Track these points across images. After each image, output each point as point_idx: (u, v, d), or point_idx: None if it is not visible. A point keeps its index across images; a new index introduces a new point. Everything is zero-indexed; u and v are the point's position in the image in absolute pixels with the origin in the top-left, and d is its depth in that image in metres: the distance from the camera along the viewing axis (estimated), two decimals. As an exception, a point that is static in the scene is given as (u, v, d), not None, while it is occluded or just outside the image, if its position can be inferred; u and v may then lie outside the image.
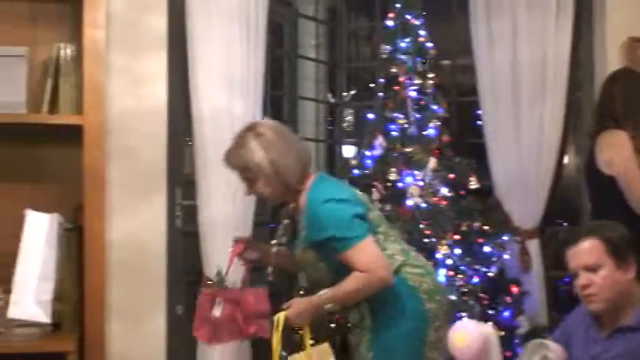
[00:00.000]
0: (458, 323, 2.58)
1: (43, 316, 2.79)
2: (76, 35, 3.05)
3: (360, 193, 2.88)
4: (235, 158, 2.75)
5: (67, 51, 3.01)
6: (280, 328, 2.64)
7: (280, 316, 2.66)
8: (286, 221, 2.99)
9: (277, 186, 2.72)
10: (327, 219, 2.61)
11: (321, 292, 2.66)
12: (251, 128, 2.77)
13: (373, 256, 2.58)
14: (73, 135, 2.85)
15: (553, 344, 2.49)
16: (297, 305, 2.69)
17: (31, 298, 2.78)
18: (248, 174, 2.73)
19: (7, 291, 2.84)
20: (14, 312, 2.77)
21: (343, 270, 2.60)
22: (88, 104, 2.83)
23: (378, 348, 2.67)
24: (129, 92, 3.43)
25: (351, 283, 2.59)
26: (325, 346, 2.80)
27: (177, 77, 3.56)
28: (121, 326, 3.41)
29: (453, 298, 3.63)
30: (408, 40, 4.18)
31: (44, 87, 3.04)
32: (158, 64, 3.47)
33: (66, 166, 3.10)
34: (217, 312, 2.82)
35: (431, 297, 2.71)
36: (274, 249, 2.98)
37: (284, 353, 2.69)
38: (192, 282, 3.63)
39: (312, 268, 2.79)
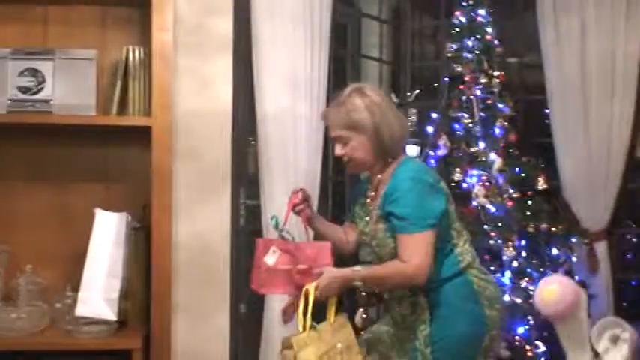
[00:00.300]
0: (547, 278, 2.50)
1: (111, 314, 2.85)
2: (144, 38, 3.11)
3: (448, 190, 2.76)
4: (336, 115, 2.67)
5: (135, 54, 3.08)
6: (311, 297, 2.56)
7: (310, 287, 2.59)
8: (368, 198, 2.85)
9: (373, 150, 2.65)
10: (407, 196, 2.54)
11: (356, 268, 2.62)
12: (357, 89, 2.70)
13: (422, 252, 2.50)
14: (141, 136, 2.91)
15: (626, 324, 2.42)
16: (328, 275, 2.59)
17: (99, 296, 2.85)
18: (345, 133, 2.66)
19: (76, 289, 2.91)
20: (82, 310, 2.83)
21: None
22: (156, 106, 2.88)
23: (436, 346, 2.61)
24: (195, 94, 3.47)
25: (387, 269, 2.58)
26: (343, 315, 2.75)
27: (241, 78, 3.59)
28: (186, 324, 3.46)
29: (519, 300, 3.60)
30: (474, 38, 4.14)
31: (113, 89, 3.11)
32: (223, 66, 3.51)
33: (134, 166, 3.18)
34: (271, 260, 2.74)
35: (492, 304, 2.67)
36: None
37: (314, 323, 2.61)
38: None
39: (380, 247, 2.68)
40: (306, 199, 2.83)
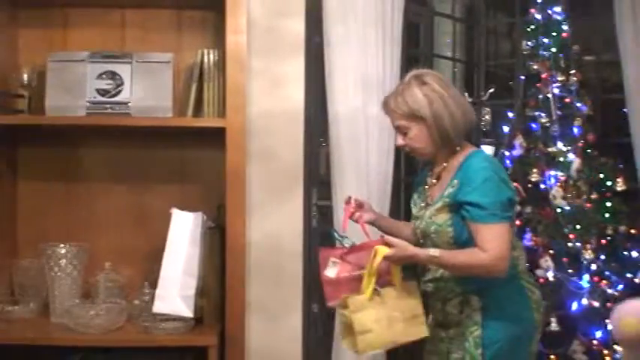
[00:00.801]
0: (626, 306, 2.41)
1: (187, 311, 2.89)
2: (218, 41, 3.15)
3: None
4: (396, 103, 2.63)
5: (210, 56, 3.12)
6: (377, 260, 2.53)
7: (380, 250, 2.53)
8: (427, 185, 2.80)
9: (433, 139, 2.61)
10: (485, 186, 2.49)
11: (431, 251, 2.55)
12: (417, 76, 2.64)
13: (503, 243, 2.46)
14: (215, 137, 2.95)
15: None
16: (402, 250, 2.55)
17: (176, 294, 2.89)
18: (404, 123, 2.62)
19: (153, 286, 2.97)
20: (159, 307, 2.88)
21: (467, 244, 2.52)
22: (230, 107, 2.91)
23: (488, 350, 2.55)
24: (268, 95, 3.50)
25: (465, 256, 2.50)
26: (414, 284, 2.67)
27: (313, 79, 3.61)
28: (260, 323, 3.50)
29: (596, 304, 3.53)
30: (550, 36, 4.07)
31: (189, 91, 3.16)
32: (296, 67, 3.53)
33: (209, 167, 3.23)
34: (332, 272, 2.69)
35: (538, 308, 2.65)
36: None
37: (378, 288, 2.57)
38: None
39: (437, 234, 2.62)
40: (360, 206, 2.84)
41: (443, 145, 2.63)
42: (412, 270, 2.80)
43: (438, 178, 2.70)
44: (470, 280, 2.58)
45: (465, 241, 2.53)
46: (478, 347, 2.56)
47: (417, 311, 2.60)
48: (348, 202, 2.85)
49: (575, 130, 3.96)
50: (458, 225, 2.55)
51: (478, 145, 4.85)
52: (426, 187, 2.78)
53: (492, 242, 2.45)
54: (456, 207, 2.55)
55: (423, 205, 2.75)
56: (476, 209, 2.48)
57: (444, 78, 2.69)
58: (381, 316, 2.52)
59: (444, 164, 2.68)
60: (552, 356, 3.70)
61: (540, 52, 4.09)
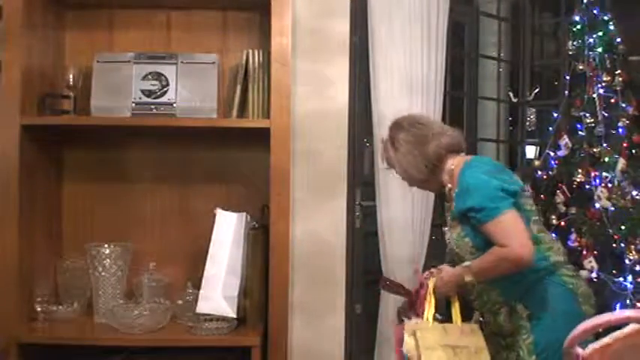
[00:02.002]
0: None
1: (230, 311, 2.89)
2: (263, 42, 3.16)
3: (521, 185, 2.73)
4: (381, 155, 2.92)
5: (255, 57, 3.12)
6: (431, 292, 2.65)
7: (430, 281, 2.67)
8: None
9: (411, 177, 2.80)
10: (471, 189, 2.56)
11: (465, 264, 2.62)
12: (389, 128, 2.87)
13: (513, 230, 2.46)
14: (260, 137, 2.95)
15: None
16: (445, 273, 2.69)
17: (219, 294, 2.90)
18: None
19: (196, 286, 2.98)
20: (203, 307, 2.89)
21: (487, 248, 2.53)
22: (274, 108, 2.90)
23: (543, 355, 2.54)
24: (312, 96, 3.50)
25: (488, 257, 2.52)
26: (474, 326, 2.67)
27: (358, 80, 3.60)
28: (303, 323, 3.51)
29: (640, 305, 3.48)
30: (595, 35, 4.02)
31: (234, 92, 3.17)
32: (340, 68, 3.53)
33: (253, 167, 3.23)
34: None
35: (586, 300, 2.60)
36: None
37: (439, 316, 2.63)
38: (371, 282, 3.67)
39: (460, 248, 2.69)
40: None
41: (431, 170, 2.75)
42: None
43: (450, 199, 2.75)
44: (509, 288, 2.60)
45: (484, 246, 2.55)
46: (531, 354, 2.55)
47: (480, 346, 2.59)
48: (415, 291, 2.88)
49: (620, 130, 3.90)
50: (471, 234, 2.61)
51: (523, 145, 4.84)
52: (446, 212, 2.84)
53: (505, 235, 2.47)
54: (463, 218, 2.62)
55: (446, 228, 2.82)
56: (475, 213, 2.53)
57: (410, 120, 2.83)
58: (446, 343, 2.55)
59: (449, 185, 2.75)
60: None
61: (585, 52, 4.03)
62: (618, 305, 3.55)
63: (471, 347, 2.57)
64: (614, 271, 3.66)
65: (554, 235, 3.82)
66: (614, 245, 3.70)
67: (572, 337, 2.15)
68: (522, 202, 2.63)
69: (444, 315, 2.73)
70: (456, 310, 2.66)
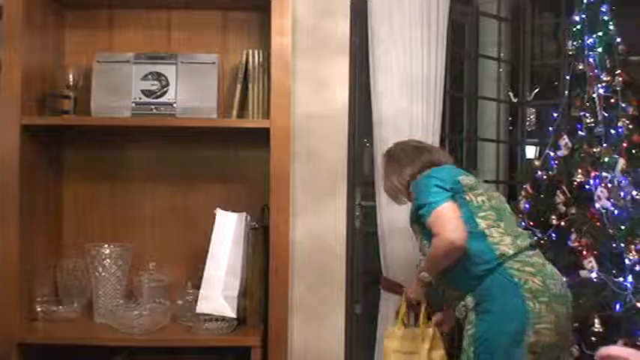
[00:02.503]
0: None
1: (230, 312, 2.90)
2: (263, 42, 3.16)
3: (471, 178, 2.93)
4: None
5: (255, 57, 3.12)
6: (403, 299, 3.07)
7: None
8: None
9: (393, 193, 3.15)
10: (417, 192, 2.88)
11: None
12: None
13: (445, 219, 2.68)
14: (260, 138, 2.95)
15: None
16: (412, 279, 3.00)
17: (219, 294, 2.90)
18: None
19: (196, 286, 2.98)
20: (203, 307, 2.89)
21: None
22: (274, 108, 2.90)
23: (481, 347, 2.64)
24: (312, 96, 3.50)
25: (430, 250, 2.77)
26: (436, 332, 3.01)
27: (358, 80, 3.60)
28: (303, 323, 3.51)
29: (640, 305, 3.47)
30: (595, 35, 4.02)
31: (234, 92, 3.17)
32: (340, 68, 3.52)
33: (253, 167, 3.23)
34: None
35: (535, 296, 2.63)
36: None
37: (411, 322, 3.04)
38: (371, 282, 3.68)
39: (422, 251, 2.95)
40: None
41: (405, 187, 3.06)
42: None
43: None
44: (460, 282, 2.78)
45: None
46: (471, 346, 2.68)
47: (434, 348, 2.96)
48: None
49: (620, 130, 3.89)
50: (427, 236, 2.83)
51: (523, 145, 4.85)
52: None
53: (439, 223, 2.70)
54: (419, 222, 2.86)
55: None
56: (421, 212, 2.80)
57: (395, 149, 3.20)
58: (401, 349, 2.98)
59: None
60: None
61: (585, 52, 4.03)
62: (618, 305, 3.55)
63: (422, 353, 2.91)
64: (614, 271, 3.66)
65: (553, 235, 3.85)
66: (614, 245, 3.69)
67: None
68: (466, 197, 2.81)
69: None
70: (421, 313, 2.98)
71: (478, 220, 2.77)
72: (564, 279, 2.84)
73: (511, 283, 2.66)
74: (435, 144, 3.69)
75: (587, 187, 3.83)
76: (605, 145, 3.86)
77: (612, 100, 3.95)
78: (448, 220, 2.68)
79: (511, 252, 2.72)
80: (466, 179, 2.88)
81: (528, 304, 2.62)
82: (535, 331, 2.61)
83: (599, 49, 4.00)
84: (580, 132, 3.97)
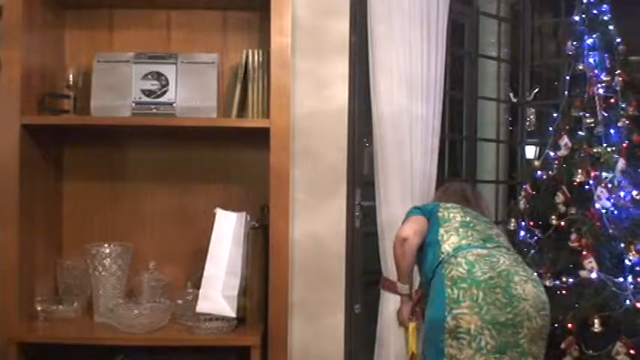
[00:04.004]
0: None
1: (230, 311, 2.89)
2: (263, 42, 3.16)
3: (445, 205, 3.14)
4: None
5: (255, 57, 3.12)
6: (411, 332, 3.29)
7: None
8: None
9: None
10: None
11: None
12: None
13: (405, 224, 3.09)
14: (259, 137, 2.95)
15: None
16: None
17: (219, 294, 2.89)
18: None
19: (196, 286, 2.98)
20: (202, 306, 2.89)
21: (421, 266, 3.08)
22: (274, 108, 2.90)
23: (422, 338, 2.84)
24: (312, 95, 3.50)
25: None
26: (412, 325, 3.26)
27: (358, 80, 3.60)
28: (302, 323, 3.51)
29: (641, 305, 3.47)
30: (595, 35, 4.02)
31: (234, 92, 3.17)
32: (340, 68, 3.53)
33: (253, 167, 3.22)
34: None
35: (454, 283, 2.72)
36: None
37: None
38: (371, 282, 3.68)
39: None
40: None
41: None
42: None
43: None
44: (423, 286, 3.06)
45: (420, 264, 3.12)
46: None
47: None
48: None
49: (620, 130, 3.90)
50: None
51: (522, 145, 4.85)
52: None
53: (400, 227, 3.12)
54: None
55: None
56: None
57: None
58: None
59: None
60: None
61: (585, 52, 4.03)
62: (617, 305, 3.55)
63: None
64: (614, 271, 3.66)
65: (553, 235, 3.85)
66: (614, 245, 3.69)
67: None
68: (439, 214, 3.06)
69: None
70: (409, 339, 3.21)
71: (440, 230, 2.98)
72: (547, 282, 2.84)
73: (441, 275, 2.79)
74: (435, 144, 3.70)
75: (587, 187, 3.83)
76: (605, 145, 3.87)
77: (612, 100, 3.96)
78: (405, 224, 3.10)
79: (451, 249, 2.85)
80: (446, 205, 3.14)
81: (446, 291, 2.73)
82: (453, 316, 2.68)
83: (599, 49, 4.00)
84: (580, 132, 3.98)
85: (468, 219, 3.03)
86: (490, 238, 2.96)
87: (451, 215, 3.04)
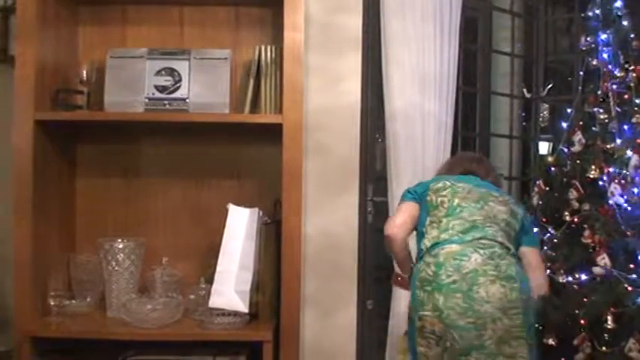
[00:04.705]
0: None
1: (242, 306, 2.90)
2: (276, 37, 3.16)
3: (436, 184, 3.01)
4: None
5: (267, 53, 3.13)
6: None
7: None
8: None
9: None
10: None
11: None
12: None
13: (392, 216, 3.06)
14: (272, 133, 2.95)
15: None
16: None
17: (232, 289, 2.90)
18: None
19: (209, 281, 2.98)
20: (215, 301, 2.89)
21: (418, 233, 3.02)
22: (287, 103, 2.90)
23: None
24: (324, 91, 3.50)
25: None
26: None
27: (370, 75, 3.60)
28: (315, 318, 3.51)
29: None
30: (609, 31, 4.00)
31: (246, 87, 3.17)
32: (353, 63, 3.53)
33: (266, 162, 3.23)
34: None
35: (422, 285, 2.74)
36: None
37: None
38: (383, 277, 3.67)
39: None
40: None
41: None
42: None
43: None
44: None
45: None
46: None
47: None
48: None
49: (634, 126, 3.87)
50: None
51: (536, 141, 4.83)
52: None
53: None
54: None
55: None
56: None
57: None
58: None
59: None
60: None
61: (599, 47, 4.01)
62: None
63: None
64: (627, 268, 3.64)
65: (567, 231, 3.84)
66: (627, 242, 3.67)
67: None
68: (427, 198, 2.98)
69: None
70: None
71: (426, 220, 2.93)
72: (516, 284, 2.73)
73: (415, 274, 2.82)
74: (447, 140, 3.69)
75: (600, 183, 3.81)
76: (618, 141, 3.84)
77: (626, 96, 3.93)
78: (394, 216, 3.06)
79: (429, 244, 2.83)
80: (437, 185, 3.01)
81: (416, 292, 2.76)
82: (419, 317, 2.73)
83: (613, 45, 3.98)
84: (593, 128, 3.95)
85: (455, 202, 2.93)
86: (474, 227, 2.85)
87: (439, 200, 2.95)
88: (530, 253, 3.00)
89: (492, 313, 2.63)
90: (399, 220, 2.99)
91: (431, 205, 2.94)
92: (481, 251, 2.75)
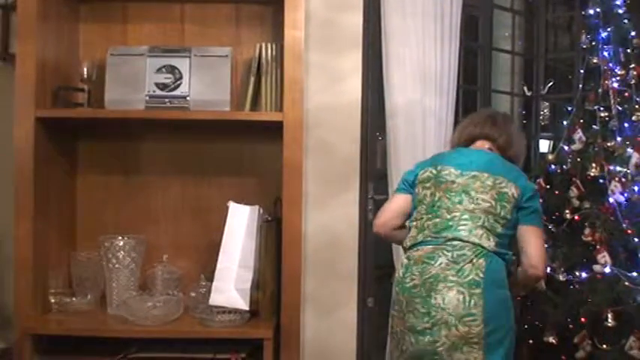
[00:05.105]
0: None
1: (243, 304, 2.90)
2: (276, 35, 3.17)
3: (423, 174, 2.94)
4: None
5: (268, 50, 3.13)
6: None
7: None
8: None
9: None
10: None
11: None
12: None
13: (381, 211, 3.04)
14: (273, 131, 2.95)
15: None
16: None
17: (232, 286, 2.90)
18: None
19: (209, 279, 2.98)
20: (216, 299, 2.90)
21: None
22: (287, 101, 2.90)
23: None
24: (325, 89, 3.50)
25: None
26: None
27: (371, 73, 3.60)
28: (315, 315, 3.51)
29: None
30: (610, 29, 4.00)
31: (247, 85, 3.17)
32: (353, 61, 3.52)
33: (266, 160, 3.24)
34: None
35: (396, 285, 2.77)
36: None
37: None
38: (383, 276, 3.68)
39: None
40: None
41: None
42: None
43: None
44: None
45: None
46: None
47: None
48: None
49: (634, 124, 3.88)
50: None
51: (536, 139, 4.83)
52: None
53: None
54: None
55: None
56: None
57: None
58: None
59: None
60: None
61: (600, 46, 4.01)
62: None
63: None
64: (628, 266, 3.65)
65: (567, 229, 3.84)
66: (627, 240, 3.68)
67: None
68: (415, 190, 2.93)
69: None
70: None
71: (413, 216, 2.91)
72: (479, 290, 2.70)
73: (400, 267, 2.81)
74: (447, 138, 3.68)
75: (601, 181, 3.81)
76: (619, 139, 3.85)
77: (626, 94, 3.94)
78: (382, 210, 3.04)
79: (409, 244, 2.84)
80: (423, 175, 2.93)
81: (393, 290, 2.81)
82: (390, 315, 2.81)
83: (614, 43, 3.98)
84: (594, 126, 3.96)
85: (437, 196, 2.83)
86: (447, 227, 2.77)
87: (422, 194, 2.88)
88: (526, 232, 2.80)
89: (447, 319, 2.59)
90: (382, 219, 3.01)
91: (417, 200, 2.91)
92: (448, 254, 2.69)
